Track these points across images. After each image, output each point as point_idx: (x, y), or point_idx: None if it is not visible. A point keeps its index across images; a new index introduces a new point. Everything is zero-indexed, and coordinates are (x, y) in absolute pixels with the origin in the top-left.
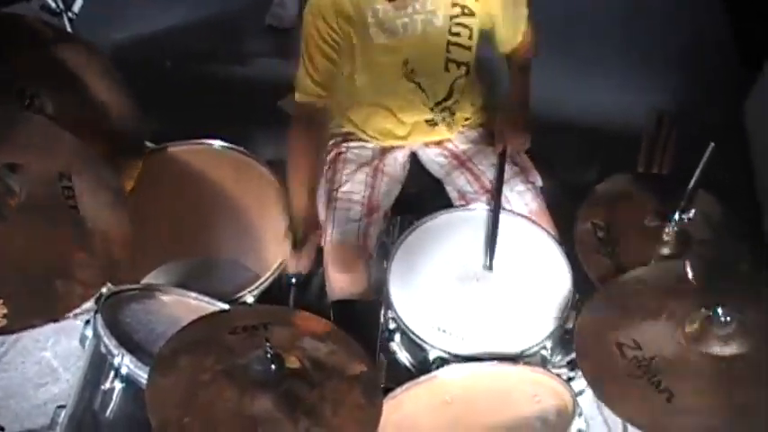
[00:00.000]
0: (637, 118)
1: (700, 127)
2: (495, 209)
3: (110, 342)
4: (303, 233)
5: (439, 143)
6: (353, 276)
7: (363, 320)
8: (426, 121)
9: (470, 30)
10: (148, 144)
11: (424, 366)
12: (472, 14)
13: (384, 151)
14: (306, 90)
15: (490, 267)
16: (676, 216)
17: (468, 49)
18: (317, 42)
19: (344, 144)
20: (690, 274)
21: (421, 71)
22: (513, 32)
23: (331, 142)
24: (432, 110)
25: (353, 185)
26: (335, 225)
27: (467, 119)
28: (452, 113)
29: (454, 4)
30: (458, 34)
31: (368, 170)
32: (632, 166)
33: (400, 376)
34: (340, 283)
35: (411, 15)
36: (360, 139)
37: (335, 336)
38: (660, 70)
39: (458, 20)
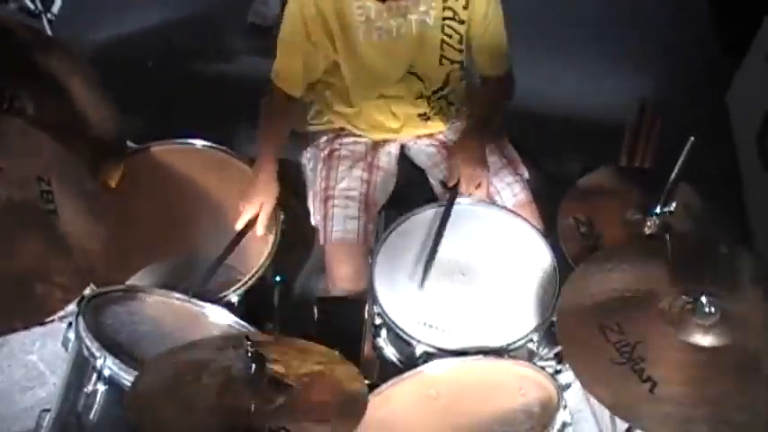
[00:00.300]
0: (619, 109)
1: (682, 118)
2: (437, 237)
3: (92, 344)
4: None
5: (430, 135)
6: (357, 272)
7: (348, 317)
8: (419, 115)
9: (460, 35)
10: (131, 144)
11: (411, 361)
12: (462, 22)
13: (376, 146)
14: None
15: (422, 286)
16: (657, 209)
17: (459, 51)
18: (296, 39)
19: (337, 141)
20: (669, 249)
21: (418, 64)
22: (489, 63)
23: (323, 140)
24: (429, 99)
25: (350, 182)
26: (335, 223)
27: (458, 110)
28: (449, 103)
29: (445, 8)
30: (450, 36)
31: (363, 165)
32: (616, 158)
33: (387, 372)
34: (345, 281)
35: (405, 15)
36: (352, 134)
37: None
38: (642, 61)
39: (448, 23)
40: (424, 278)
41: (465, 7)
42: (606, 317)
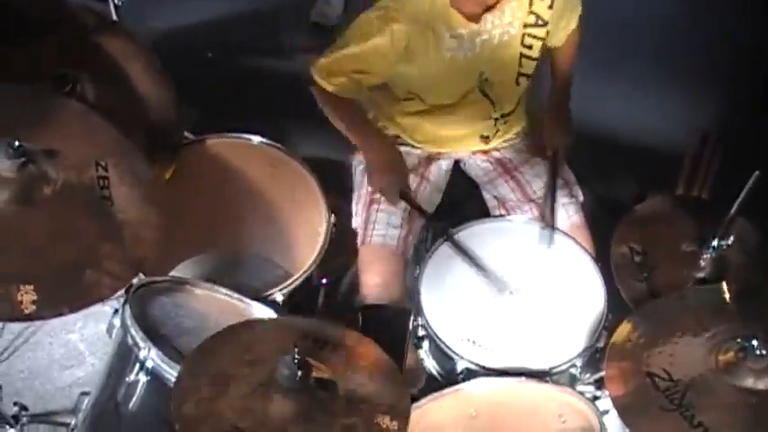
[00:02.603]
0: (677, 137)
1: (740, 151)
2: (551, 206)
3: (137, 334)
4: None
5: (486, 151)
6: (389, 282)
7: (392, 327)
8: (481, 136)
9: (541, 41)
10: (187, 135)
11: (451, 376)
12: (545, 24)
13: (430, 158)
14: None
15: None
16: (714, 243)
17: (535, 60)
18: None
19: None
20: (727, 296)
21: (495, 83)
22: (564, 24)
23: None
24: (496, 121)
25: None
26: (376, 228)
27: (517, 132)
28: (509, 125)
29: (530, 13)
30: (529, 47)
31: (412, 176)
32: (670, 187)
33: (427, 385)
34: (375, 288)
35: (490, 31)
36: (407, 144)
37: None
38: (705, 91)
39: (530, 30)
40: (551, 237)
41: (550, 6)
42: (654, 364)
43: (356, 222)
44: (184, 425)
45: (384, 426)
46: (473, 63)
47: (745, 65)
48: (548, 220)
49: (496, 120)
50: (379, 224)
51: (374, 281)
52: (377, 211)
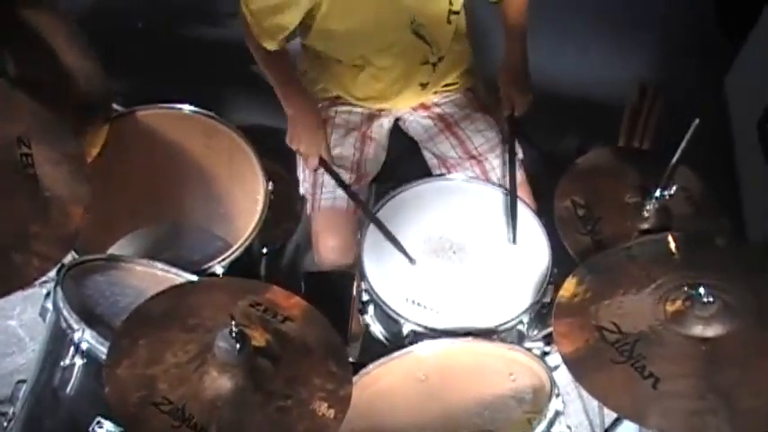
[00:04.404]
0: (615, 89)
1: (679, 100)
2: (512, 183)
3: (69, 316)
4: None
5: (427, 107)
6: (345, 244)
7: (336, 292)
8: (420, 84)
9: None
10: (116, 107)
11: (397, 340)
12: None
13: (371, 117)
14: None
15: (514, 241)
16: (657, 192)
17: None
18: None
19: (332, 108)
20: (672, 245)
21: (427, 24)
22: None
23: (318, 107)
24: (434, 66)
25: (343, 150)
26: (324, 191)
27: (452, 83)
28: (446, 69)
29: None
30: None
31: (356, 135)
32: (611, 139)
33: (374, 350)
34: (332, 251)
35: None
36: (348, 103)
37: (306, 313)
38: (639, 41)
39: None
40: (514, 233)
41: None
42: (603, 317)
43: (304, 188)
44: (114, 389)
45: (320, 413)
46: (398, 3)
47: (680, 10)
48: (511, 189)
49: (434, 64)
50: (326, 187)
51: (330, 244)
52: (323, 173)
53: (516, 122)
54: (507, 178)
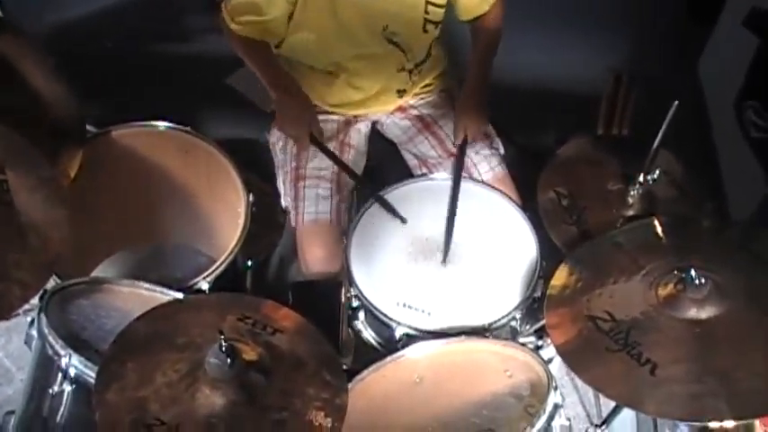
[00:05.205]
0: (592, 81)
1: (655, 86)
2: (452, 204)
3: (55, 342)
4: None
5: (404, 109)
6: (331, 254)
7: (324, 301)
8: (398, 91)
9: None
10: (90, 128)
11: (390, 344)
12: None
13: (348, 123)
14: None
15: (444, 261)
16: (641, 178)
17: (442, 7)
18: None
19: None
20: (659, 230)
21: (401, 32)
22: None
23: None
24: (410, 73)
25: (322, 161)
26: (307, 204)
27: (428, 84)
28: (423, 75)
29: None
30: None
31: (334, 144)
32: (589, 129)
33: (367, 355)
34: (318, 263)
35: None
36: (323, 111)
37: (296, 324)
38: (612, 31)
39: None
40: (446, 253)
41: None
42: (594, 306)
43: (285, 201)
44: (105, 414)
45: (317, 423)
46: (371, 9)
47: (654, 5)
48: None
49: (410, 71)
50: (308, 201)
51: (314, 259)
52: (304, 187)
53: (464, 151)
54: (485, 178)
